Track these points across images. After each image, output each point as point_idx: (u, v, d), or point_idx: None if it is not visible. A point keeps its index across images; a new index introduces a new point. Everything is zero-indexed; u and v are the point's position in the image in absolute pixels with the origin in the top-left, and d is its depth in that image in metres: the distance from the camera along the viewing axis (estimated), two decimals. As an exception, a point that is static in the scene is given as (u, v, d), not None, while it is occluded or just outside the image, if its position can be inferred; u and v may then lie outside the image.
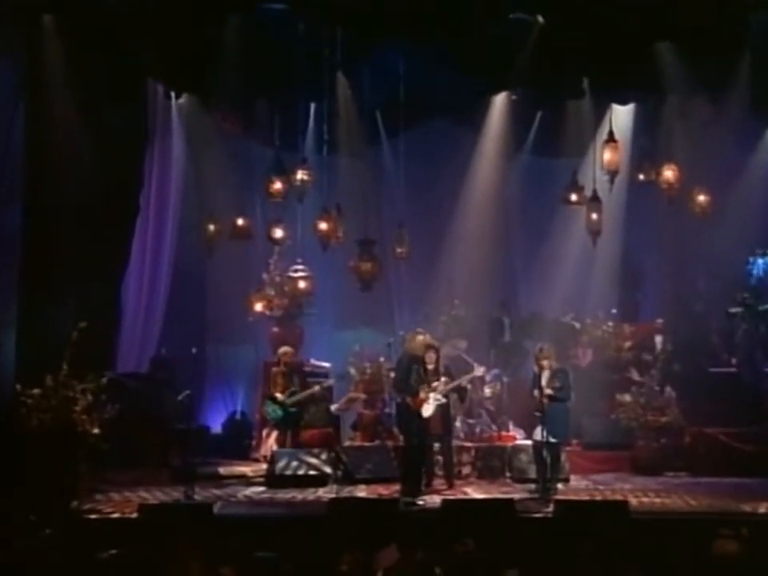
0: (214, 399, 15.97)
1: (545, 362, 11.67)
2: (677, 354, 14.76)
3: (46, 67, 12.36)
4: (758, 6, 12.93)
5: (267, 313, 14.95)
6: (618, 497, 11.51)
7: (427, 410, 11.67)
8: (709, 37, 12.69)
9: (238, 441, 14.83)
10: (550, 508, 10.39)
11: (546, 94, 14.57)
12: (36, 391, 10.53)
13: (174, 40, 12.59)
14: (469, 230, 16.30)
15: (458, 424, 13.30)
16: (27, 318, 12.08)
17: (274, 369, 13.56)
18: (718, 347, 15.20)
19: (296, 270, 14.63)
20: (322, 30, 13.19)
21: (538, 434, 11.52)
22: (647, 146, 15.15)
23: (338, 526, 9.16)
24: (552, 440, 11.52)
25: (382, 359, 14.00)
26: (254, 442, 14.47)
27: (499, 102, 15.60)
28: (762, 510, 10.65)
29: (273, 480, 12.27)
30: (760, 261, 15.08)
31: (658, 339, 15.09)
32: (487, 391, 13.95)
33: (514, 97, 15.32)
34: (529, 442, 12.26)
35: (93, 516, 10.16)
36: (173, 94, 15.06)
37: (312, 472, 12.31)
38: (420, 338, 12.19)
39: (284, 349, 13.72)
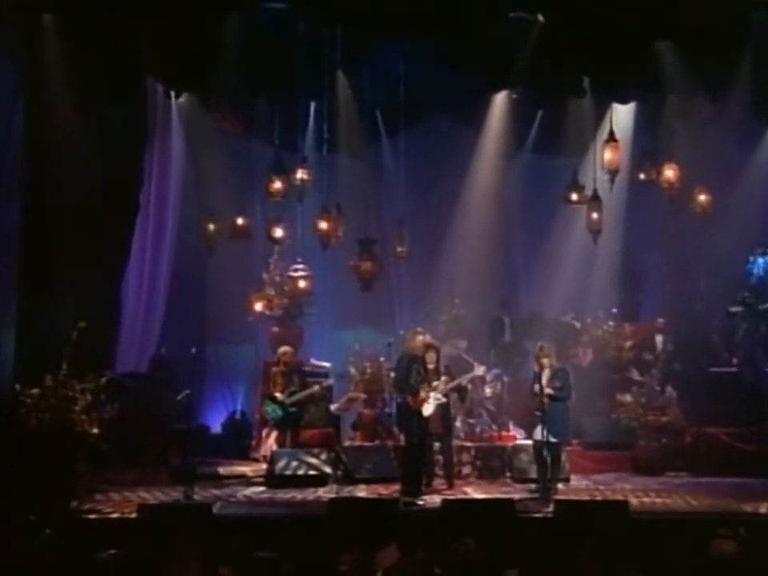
0: (214, 399, 15.96)
1: (545, 361, 11.65)
2: (677, 354, 14.75)
3: (45, 66, 12.34)
4: (758, 4, 12.91)
5: (267, 312, 14.94)
6: (619, 497, 11.49)
7: (427, 409, 11.65)
8: (710, 36, 12.68)
9: (238, 441, 14.81)
10: (551, 508, 10.37)
11: (546, 93, 14.55)
12: (35, 391, 10.50)
13: (174, 39, 12.59)
14: (469, 229, 16.29)
15: (458, 424, 13.28)
16: (26, 318, 12.07)
17: (274, 368, 13.54)
18: (719, 347, 15.19)
19: (296, 270, 14.63)
20: (322, 29, 13.18)
21: (539, 433, 11.50)
22: (648, 146, 15.14)
23: (338, 526, 9.15)
24: (552, 440, 11.50)
25: (382, 359, 13.99)
26: (253, 442, 14.45)
27: (499, 100, 15.59)
28: (763, 510, 10.62)
29: (272, 480, 12.25)
30: (760, 260, 15.06)
31: (659, 339, 15.07)
32: (488, 391, 13.93)
33: (514, 96, 15.30)
34: (529, 442, 12.24)
35: (92, 516, 10.14)
36: (172, 93, 15.04)
37: (312, 472, 12.29)
38: (420, 337, 12.16)
39: (284, 348, 13.69)
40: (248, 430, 14.96)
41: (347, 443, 13.62)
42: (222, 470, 13.17)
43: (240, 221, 15.27)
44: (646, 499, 11.44)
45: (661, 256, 16.63)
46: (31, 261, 12.17)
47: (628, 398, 13.84)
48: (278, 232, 14.63)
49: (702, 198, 14.69)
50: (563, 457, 12.13)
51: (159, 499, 11.10)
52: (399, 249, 15.32)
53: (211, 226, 15.32)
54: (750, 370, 14.61)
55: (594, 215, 13.56)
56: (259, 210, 15.62)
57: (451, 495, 11.57)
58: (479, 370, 12.94)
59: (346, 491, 11.76)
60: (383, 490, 11.81)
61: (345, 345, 15.11)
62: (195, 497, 10.92)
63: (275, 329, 15.10)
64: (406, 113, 14.71)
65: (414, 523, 9.61)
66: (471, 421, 13.64)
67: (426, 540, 7.77)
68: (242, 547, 7.78)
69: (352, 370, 14.13)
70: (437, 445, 12.31)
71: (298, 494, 11.69)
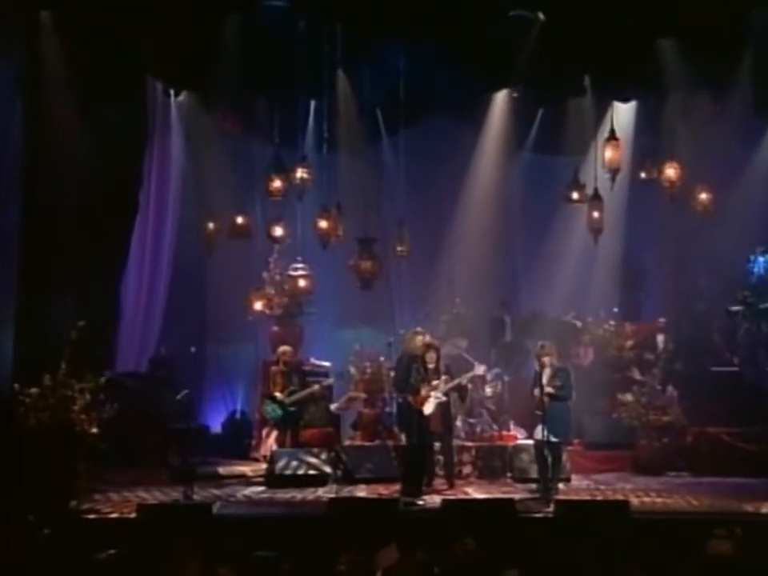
0: (214, 398, 15.94)
1: (546, 359, 11.62)
2: (678, 353, 14.73)
3: (45, 66, 12.32)
4: (759, 3, 12.89)
5: (267, 312, 14.92)
6: (620, 497, 11.47)
7: (428, 408, 11.63)
8: (711, 34, 12.67)
9: (238, 440, 14.79)
10: (551, 508, 10.35)
11: (546, 92, 14.53)
12: (34, 390, 10.48)
13: (174, 37, 12.58)
14: (469, 228, 16.27)
15: (458, 423, 13.25)
16: (26, 317, 12.04)
17: (274, 368, 13.51)
18: (720, 346, 15.15)
19: (296, 269, 14.60)
20: (322, 27, 13.17)
21: (539, 433, 11.48)
22: (649, 144, 15.11)
23: (338, 526, 9.12)
24: (553, 439, 11.48)
25: (382, 358, 13.97)
26: (253, 442, 14.43)
27: (500, 99, 15.57)
28: (764, 510, 10.60)
29: (272, 480, 12.23)
30: (761, 259, 15.03)
31: (660, 338, 15.07)
32: (488, 390, 13.91)
33: (514, 94, 15.29)
34: (530, 442, 12.22)
35: (91, 516, 10.11)
36: (172, 92, 15.02)
37: (312, 472, 12.27)
38: (419, 338, 12.13)
39: (283, 348, 13.67)
40: (248, 430, 14.94)
41: (347, 443, 13.60)
42: (221, 470, 13.15)
43: (240, 220, 15.26)
44: (646, 499, 11.42)
45: (662, 255, 16.61)
46: (31, 260, 12.13)
47: (629, 397, 13.82)
48: (278, 231, 14.62)
49: (703, 196, 14.68)
50: (564, 456, 12.10)
51: (159, 499, 11.08)
52: (399, 248, 15.31)
53: (211, 225, 15.32)
54: (751, 370, 14.59)
55: (595, 214, 13.54)
56: (259, 209, 15.60)
57: (451, 495, 11.55)
58: (479, 370, 12.91)
59: (346, 491, 11.73)
60: (383, 490, 11.79)
61: (345, 344, 15.09)
62: (195, 497, 10.90)
63: (275, 328, 15.08)
64: (406, 112, 14.70)
65: (413, 523, 9.59)
66: (472, 420, 13.62)
67: (426, 540, 7.75)
68: (242, 547, 7.75)
69: (352, 370, 14.11)
70: (437, 445, 12.28)
71: (297, 494, 11.67)
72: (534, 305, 16.01)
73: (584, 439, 13.73)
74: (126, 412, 11.66)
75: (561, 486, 11.85)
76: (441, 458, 12.37)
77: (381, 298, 15.85)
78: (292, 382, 13.29)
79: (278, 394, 13.17)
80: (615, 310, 15.34)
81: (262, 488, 12.15)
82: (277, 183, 13.60)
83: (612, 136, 13.15)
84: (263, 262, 15.04)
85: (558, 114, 15.27)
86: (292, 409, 13.15)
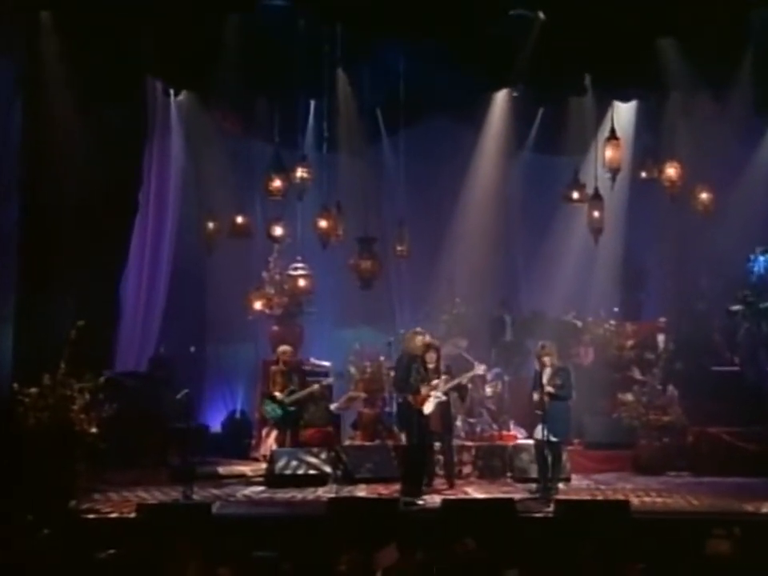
0: (214, 398, 15.94)
1: (546, 359, 11.61)
2: (679, 353, 14.72)
3: (44, 66, 12.32)
4: (759, 2, 12.88)
5: (267, 311, 14.91)
6: (620, 496, 11.46)
7: (428, 408, 11.62)
8: (711, 33, 12.66)
9: (238, 440, 14.79)
10: (551, 508, 10.34)
11: (547, 91, 14.52)
12: (33, 390, 10.46)
13: (174, 37, 12.58)
14: (470, 228, 16.26)
15: (458, 423, 13.24)
16: (25, 316, 12.05)
17: (273, 367, 13.51)
18: (721, 346, 15.15)
19: (296, 268, 14.60)
20: (322, 27, 13.16)
21: (539, 432, 11.47)
22: (649, 144, 15.09)
23: (338, 526, 9.11)
24: (553, 439, 11.47)
25: (382, 358, 13.96)
26: (253, 442, 14.42)
27: (500, 99, 15.55)
28: (764, 509, 10.59)
29: (272, 479, 12.22)
30: (761, 258, 15.02)
31: (660, 338, 15.06)
32: (488, 390, 13.90)
33: (515, 94, 15.27)
34: (530, 442, 12.21)
35: (91, 516, 10.11)
36: (172, 92, 15.01)
37: (312, 471, 12.26)
38: (419, 338, 12.11)
39: (283, 348, 13.66)
40: (248, 430, 14.93)
41: (347, 442, 13.59)
42: (221, 470, 13.15)
43: (240, 219, 15.26)
44: (647, 499, 11.41)
45: (662, 254, 16.59)
46: (30, 259, 12.14)
47: (629, 397, 13.82)
48: (278, 231, 14.61)
49: (704, 196, 14.67)
50: (564, 456, 12.09)
51: (158, 499, 11.07)
52: (399, 247, 15.30)
53: (211, 225, 15.31)
54: (751, 369, 14.58)
55: (596, 214, 13.52)
56: (259, 208, 15.59)
57: (452, 495, 11.54)
58: (479, 369, 12.90)
59: (346, 491, 11.72)
60: (383, 490, 11.78)
61: (345, 344, 15.09)
62: (194, 496, 10.89)
63: (275, 328, 15.07)
64: (406, 111, 14.68)
65: (413, 523, 9.57)
66: (472, 420, 13.61)
67: (426, 540, 7.74)
68: (242, 547, 7.76)
69: (352, 369, 14.10)
70: (437, 444, 12.27)
71: (297, 494, 11.66)
72: (535, 304, 15.99)
73: (584, 439, 13.73)
74: (126, 412, 11.67)
75: (561, 485, 11.84)
76: (441, 457, 12.37)
77: (381, 297, 15.84)
78: (292, 382, 13.28)
79: (277, 394, 13.16)
80: (616, 309, 15.34)
81: (261, 488, 12.14)
82: (277, 183, 13.58)
83: (612, 135, 13.13)
84: (263, 261, 15.03)
85: (558, 114, 15.26)
86: (292, 408, 13.14)
